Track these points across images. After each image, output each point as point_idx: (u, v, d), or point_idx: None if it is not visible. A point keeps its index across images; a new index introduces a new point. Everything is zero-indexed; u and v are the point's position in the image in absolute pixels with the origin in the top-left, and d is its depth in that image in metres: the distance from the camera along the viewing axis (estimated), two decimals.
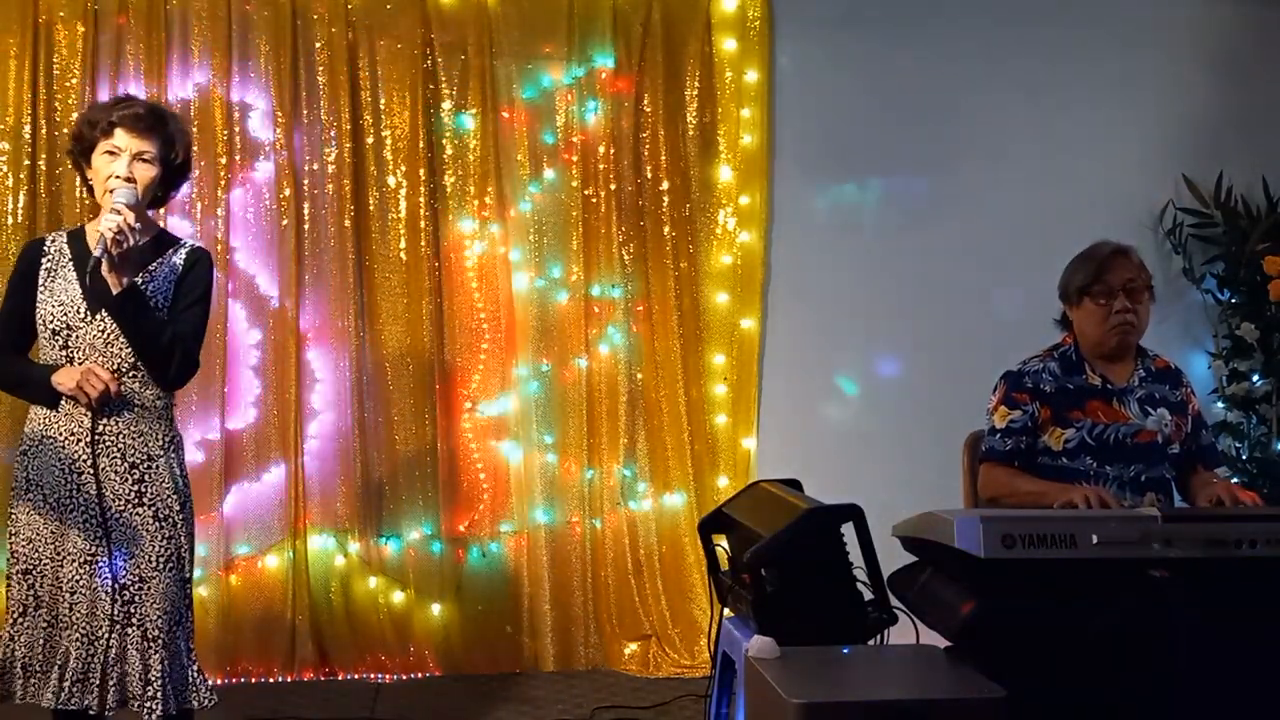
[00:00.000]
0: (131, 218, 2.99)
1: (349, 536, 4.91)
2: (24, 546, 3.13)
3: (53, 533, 3.11)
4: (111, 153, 3.09)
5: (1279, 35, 5.40)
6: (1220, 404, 5.26)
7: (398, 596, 4.94)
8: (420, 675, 4.89)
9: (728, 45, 5.12)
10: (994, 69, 5.22)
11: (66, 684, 3.06)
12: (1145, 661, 2.81)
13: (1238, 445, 5.21)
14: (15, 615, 3.12)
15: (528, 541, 5.03)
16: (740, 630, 3.19)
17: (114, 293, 3.02)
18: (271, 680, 4.79)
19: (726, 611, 3.39)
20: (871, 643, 3.13)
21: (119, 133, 3.09)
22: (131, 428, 3.11)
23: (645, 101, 5.08)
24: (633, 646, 5.02)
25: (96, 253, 2.98)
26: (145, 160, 3.10)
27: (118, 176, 3.06)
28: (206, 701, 3.17)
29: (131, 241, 2.98)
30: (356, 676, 4.85)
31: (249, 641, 4.78)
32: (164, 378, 3.12)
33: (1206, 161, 5.29)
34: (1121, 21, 5.28)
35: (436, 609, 4.95)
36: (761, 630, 2.97)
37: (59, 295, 3.11)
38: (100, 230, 2.99)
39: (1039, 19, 5.25)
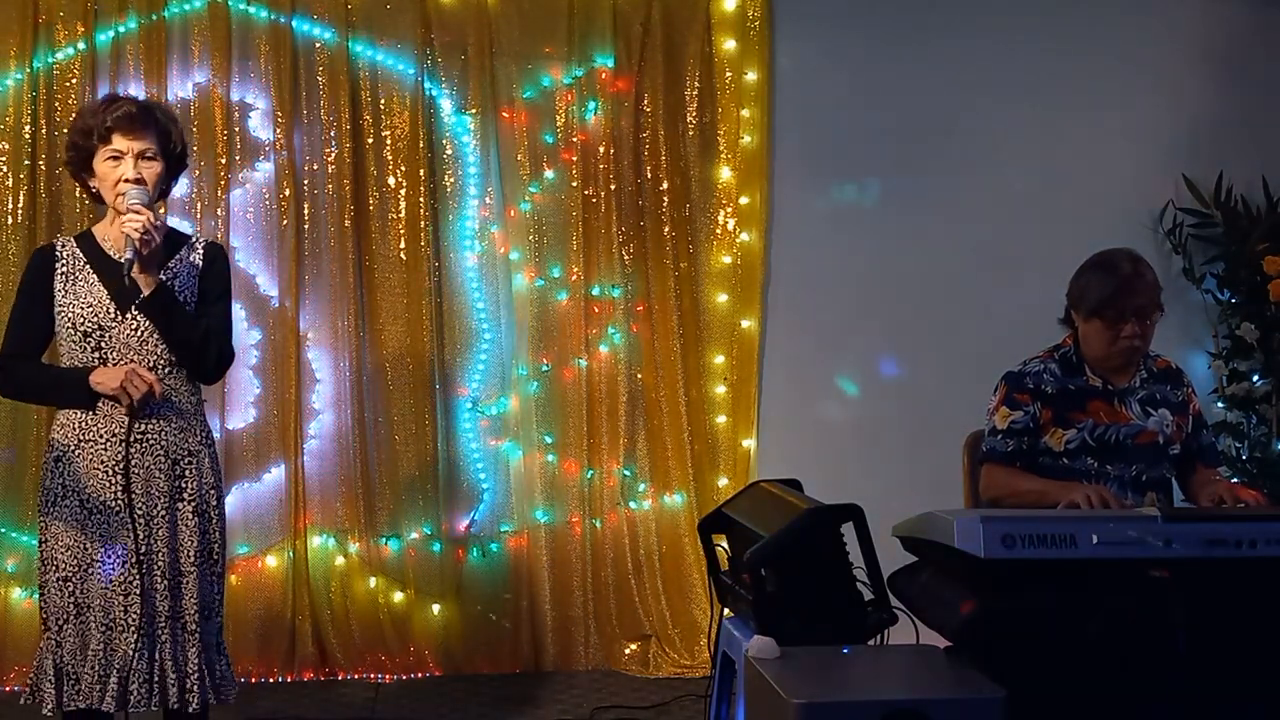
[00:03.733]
0: (153, 217, 3.03)
1: (349, 536, 4.91)
2: (63, 554, 3.13)
3: (91, 538, 3.11)
4: (115, 157, 3.10)
5: (1279, 35, 5.39)
6: (1220, 404, 5.25)
7: (398, 596, 4.94)
8: (420, 675, 4.89)
9: (728, 45, 5.12)
10: (994, 69, 5.21)
11: (131, 685, 3.08)
12: (1145, 662, 2.81)
13: (1238, 445, 5.20)
14: (60, 623, 3.13)
15: (528, 541, 5.03)
16: (740, 630, 3.20)
17: (144, 292, 3.06)
18: (271, 680, 4.79)
19: (726, 611, 3.39)
20: (871, 643, 3.13)
21: (116, 137, 3.09)
22: (172, 424, 3.15)
23: (645, 101, 5.08)
24: (633, 646, 5.02)
25: (127, 254, 3.01)
26: (148, 158, 3.12)
27: (127, 180, 3.08)
28: (228, 698, 3.22)
29: (157, 240, 3.03)
30: (356, 676, 4.85)
31: (249, 641, 4.77)
32: (202, 372, 3.19)
33: (1206, 161, 5.29)
34: (1121, 22, 5.27)
35: (436, 609, 4.95)
36: (761, 630, 2.97)
37: (84, 298, 3.11)
38: (125, 232, 3.01)
39: (1039, 19, 5.24)
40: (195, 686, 3.13)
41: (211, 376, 3.26)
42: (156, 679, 3.10)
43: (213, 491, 3.22)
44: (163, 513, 3.13)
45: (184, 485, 3.16)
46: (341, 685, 4.79)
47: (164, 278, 3.13)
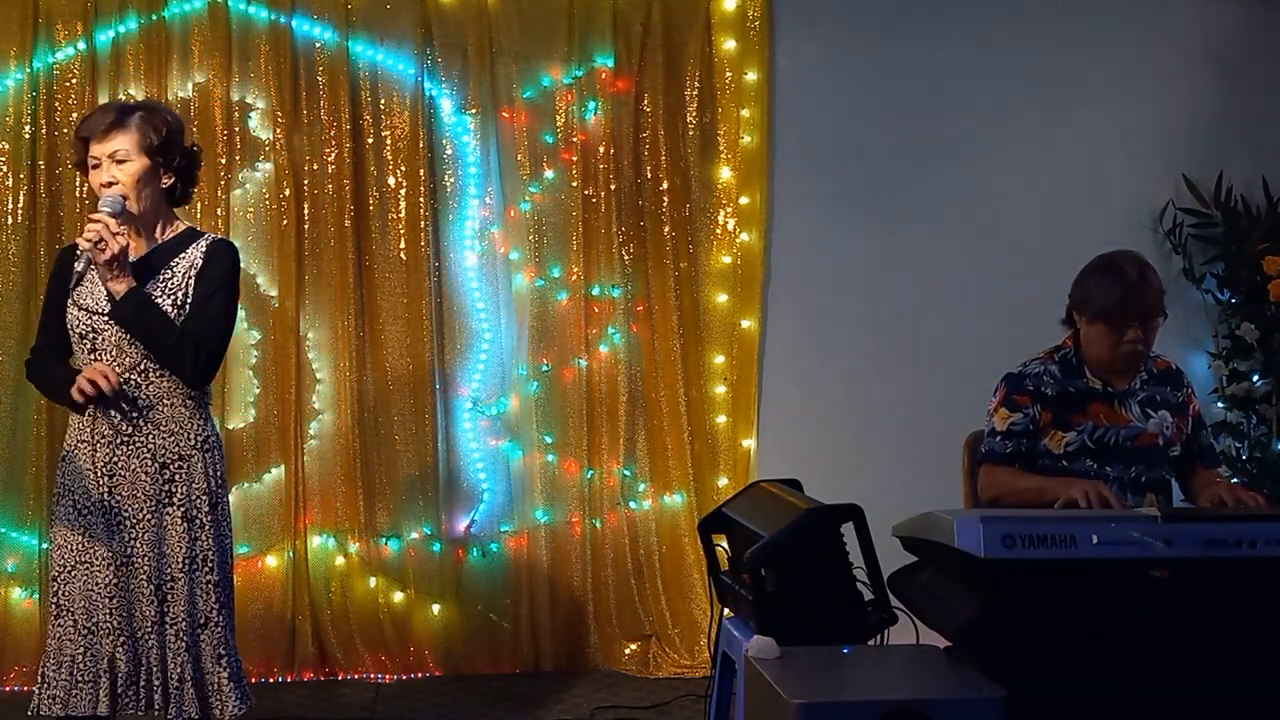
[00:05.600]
0: (113, 224, 3.03)
1: (349, 536, 4.91)
2: (56, 554, 3.16)
3: (81, 540, 3.12)
4: (95, 164, 3.13)
5: (1279, 35, 5.40)
6: (1220, 404, 5.25)
7: (398, 596, 4.94)
8: (420, 675, 4.89)
9: (728, 45, 5.12)
10: (994, 69, 5.21)
11: (119, 689, 3.09)
12: (1145, 662, 2.81)
13: (1238, 445, 5.20)
14: (50, 622, 3.16)
15: (528, 541, 5.03)
16: (740, 630, 3.20)
17: (116, 298, 3.06)
18: (271, 680, 4.79)
19: (726, 611, 3.39)
20: (871, 643, 3.13)
21: (91, 145, 3.13)
22: (161, 428, 3.13)
23: (645, 101, 5.08)
24: (633, 646, 5.02)
25: (79, 267, 3.08)
26: (120, 160, 3.11)
27: (102, 185, 3.11)
28: (233, 712, 3.15)
29: (114, 247, 3.00)
30: (356, 676, 4.85)
31: (249, 641, 4.76)
32: (182, 375, 3.14)
33: (1206, 161, 5.29)
34: (1121, 21, 5.27)
35: (436, 609, 4.95)
36: (761, 630, 2.97)
37: (85, 299, 3.14)
38: (79, 240, 3.05)
39: (1039, 19, 5.24)
40: (180, 696, 3.09)
41: (191, 379, 3.14)
42: (143, 684, 3.10)
43: (204, 497, 3.15)
44: (148, 517, 3.11)
45: (173, 490, 3.13)
46: (341, 685, 4.79)
47: (161, 276, 3.13)
